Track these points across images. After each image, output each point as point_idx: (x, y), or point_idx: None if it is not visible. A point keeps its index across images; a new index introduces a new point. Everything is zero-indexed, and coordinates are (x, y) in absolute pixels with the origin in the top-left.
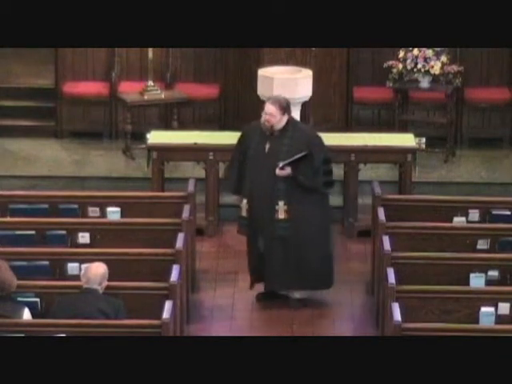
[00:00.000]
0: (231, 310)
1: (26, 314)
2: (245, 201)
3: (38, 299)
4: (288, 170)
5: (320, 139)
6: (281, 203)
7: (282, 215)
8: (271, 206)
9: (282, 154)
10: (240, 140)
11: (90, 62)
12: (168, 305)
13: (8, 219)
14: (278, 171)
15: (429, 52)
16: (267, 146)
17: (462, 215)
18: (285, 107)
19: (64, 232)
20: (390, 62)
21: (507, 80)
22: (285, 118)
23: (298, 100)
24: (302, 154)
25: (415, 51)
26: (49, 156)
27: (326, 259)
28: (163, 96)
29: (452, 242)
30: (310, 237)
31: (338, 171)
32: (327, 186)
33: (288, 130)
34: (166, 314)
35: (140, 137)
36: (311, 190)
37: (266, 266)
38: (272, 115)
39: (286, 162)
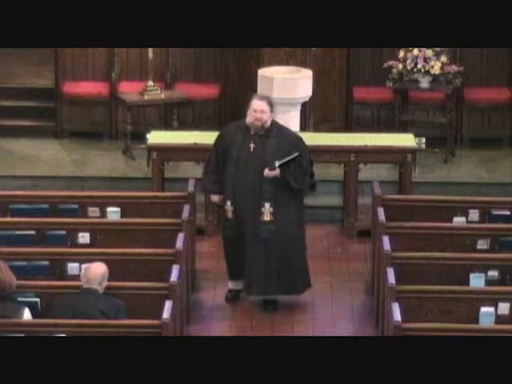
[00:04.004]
0: (231, 310)
1: (26, 314)
2: (229, 202)
3: (37, 299)
4: (277, 171)
5: (304, 141)
6: (267, 205)
7: (267, 217)
8: (257, 207)
9: (269, 155)
10: (218, 142)
11: (89, 62)
12: (168, 305)
13: (8, 219)
14: (267, 172)
15: (429, 52)
16: (252, 146)
17: (462, 215)
18: (272, 104)
19: (64, 232)
20: (390, 62)
21: (507, 80)
22: (271, 116)
23: (298, 100)
24: (295, 154)
25: (415, 51)
26: (49, 156)
27: (303, 260)
28: (163, 96)
29: (452, 241)
30: (290, 239)
31: (338, 171)
32: (312, 189)
33: (273, 131)
34: (165, 314)
35: (140, 137)
36: (298, 191)
37: (247, 270)
38: (263, 112)
39: (282, 162)
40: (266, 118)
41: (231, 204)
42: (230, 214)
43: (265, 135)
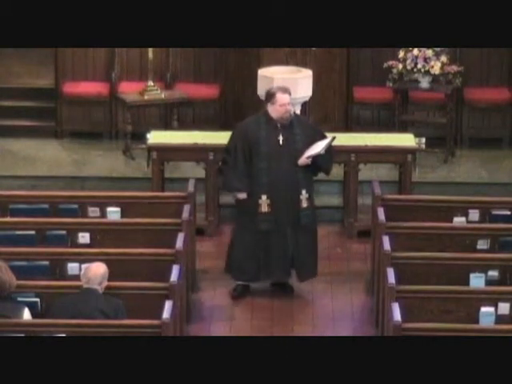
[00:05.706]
0: (231, 310)
1: (26, 314)
2: (264, 196)
3: (38, 299)
4: (310, 158)
5: None
6: (303, 192)
7: (305, 204)
8: (296, 196)
9: (298, 144)
10: (240, 139)
11: (90, 61)
12: (168, 305)
13: (8, 219)
14: (303, 160)
15: (429, 52)
16: (281, 139)
17: (462, 215)
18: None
19: (64, 232)
20: (390, 62)
21: (507, 80)
22: None
23: (298, 100)
24: (330, 139)
25: (415, 51)
26: (49, 156)
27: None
28: (163, 96)
29: (452, 241)
30: (316, 222)
31: (338, 171)
32: None
33: (293, 120)
34: (165, 314)
35: (140, 137)
36: (326, 172)
37: (294, 257)
38: (290, 104)
39: (324, 148)
40: (292, 109)
41: (267, 197)
42: (265, 208)
43: (289, 126)
